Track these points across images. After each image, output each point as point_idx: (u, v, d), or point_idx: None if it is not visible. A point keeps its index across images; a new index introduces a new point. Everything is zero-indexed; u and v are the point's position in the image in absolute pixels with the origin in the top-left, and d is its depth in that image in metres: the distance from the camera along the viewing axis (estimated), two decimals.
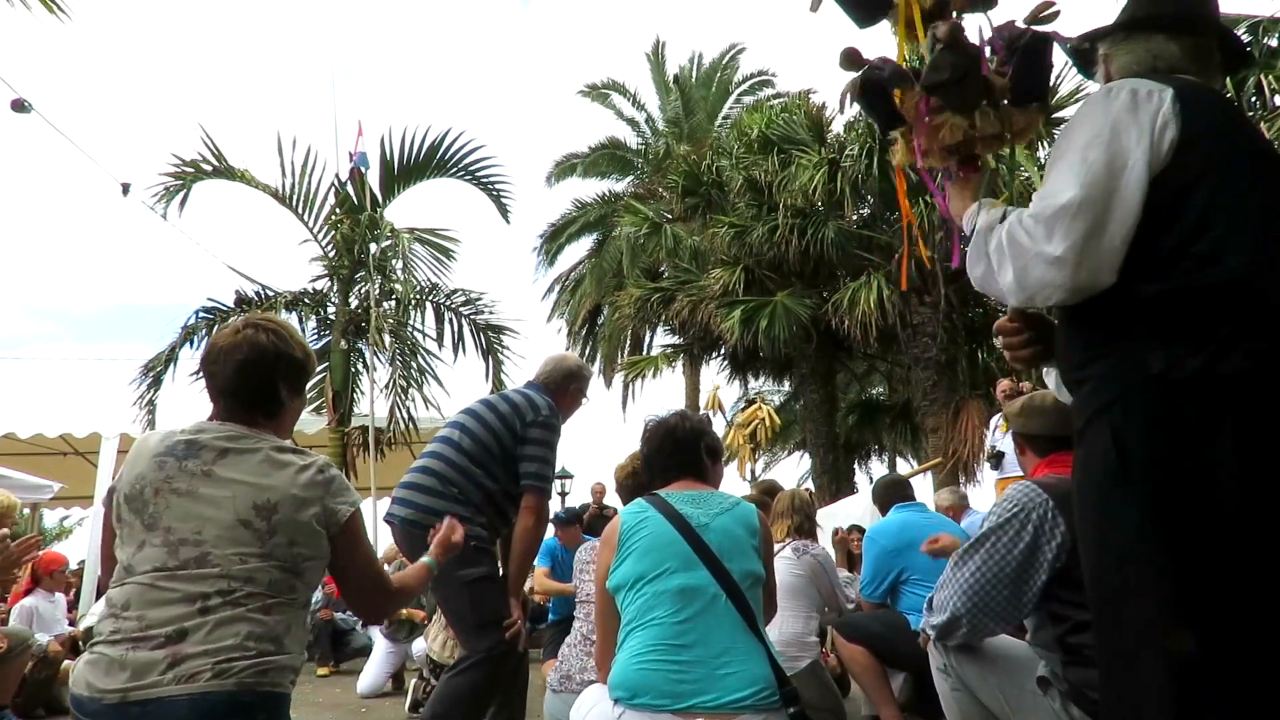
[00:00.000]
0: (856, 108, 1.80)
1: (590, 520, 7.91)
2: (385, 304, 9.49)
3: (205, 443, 1.64)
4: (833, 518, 7.75)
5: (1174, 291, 1.26)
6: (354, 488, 1.76)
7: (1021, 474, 7.62)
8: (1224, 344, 1.22)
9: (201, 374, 1.76)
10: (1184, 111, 1.31)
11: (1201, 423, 1.21)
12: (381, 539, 8.53)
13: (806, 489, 4.17)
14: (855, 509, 8.17)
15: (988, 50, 1.64)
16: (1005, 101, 1.61)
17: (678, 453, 2.24)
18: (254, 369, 1.69)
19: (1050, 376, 1.67)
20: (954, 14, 1.65)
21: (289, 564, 1.59)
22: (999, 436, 7.63)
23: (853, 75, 1.71)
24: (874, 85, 1.68)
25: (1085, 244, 1.28)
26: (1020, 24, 1.63)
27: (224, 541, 1.55)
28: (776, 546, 3.58)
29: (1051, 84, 1.69)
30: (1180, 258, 1.27)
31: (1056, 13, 1.61)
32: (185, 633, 1.48)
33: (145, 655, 1.47)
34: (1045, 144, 7.59)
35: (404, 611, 5.75)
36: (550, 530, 5.63)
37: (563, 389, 3.16)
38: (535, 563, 5.40)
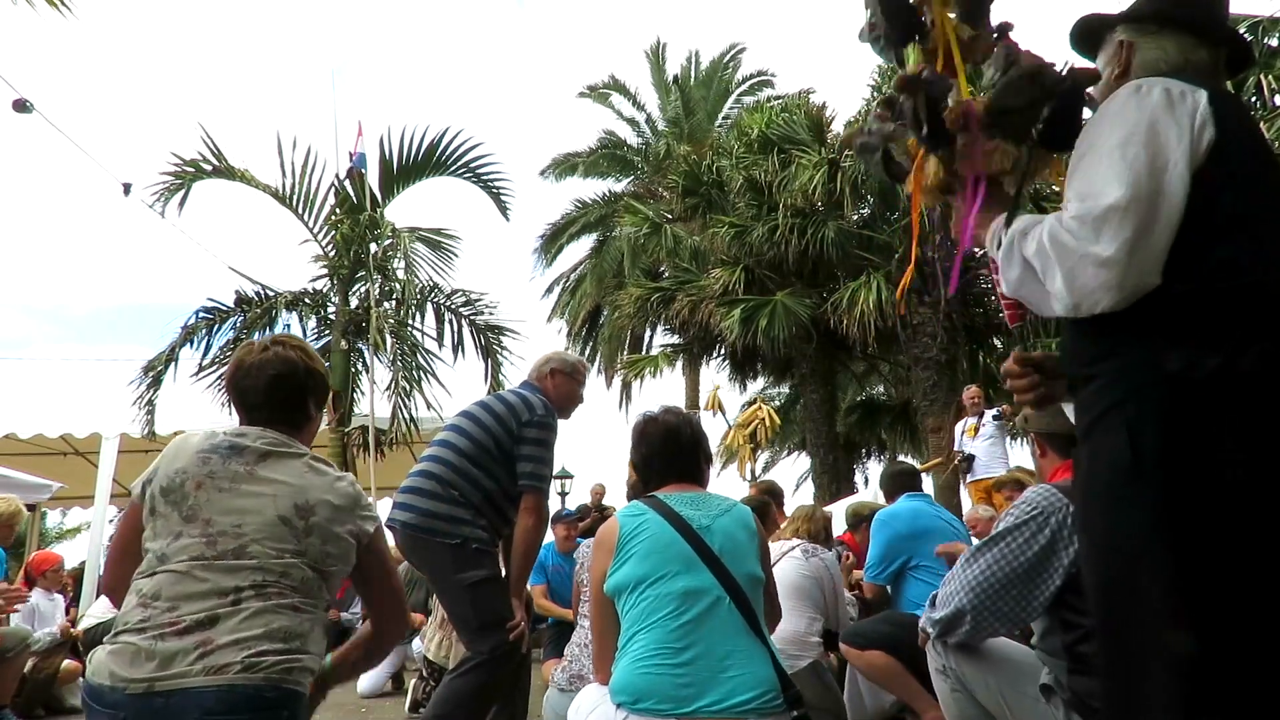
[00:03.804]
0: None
1: (591, 526, 7.90)
2: (385, 304, 9.48)
3: (248, 445, 1.69)
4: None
5: (1194, 293, 1.25)
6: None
7: (990, 477, 7.78)
8: (1238, 346, 1.21)
9: (228, 390, 1.84)
10: (1217, 114, 1.30)
11: (1216, 423, 1.20)
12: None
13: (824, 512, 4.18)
14: None
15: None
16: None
17: (680, 455, 2.22)
18: (286, 382, 1.77)
19: (1070, 409, 1.63)
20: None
21: (319, 564, 1.64)
22: (967, 441, 7.71)
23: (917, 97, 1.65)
24: (921, 86, 1.61)
25: (1135, 244, 1.24)
26: (1061, 70, 1.56)
27: (263, 536, 1.59)
28: (786, 545, 3.59)
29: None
30: (1202, 259, 1.26)
31: (1096, 79, 1.56)
32: (217, 619, 1.50)
33: (175, 644, 1.47)
34: None
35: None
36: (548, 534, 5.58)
37: (542, 374, 3.20)
38: (529, 580, 5.36)
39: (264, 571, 1.56)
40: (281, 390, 1.77)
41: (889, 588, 3.70)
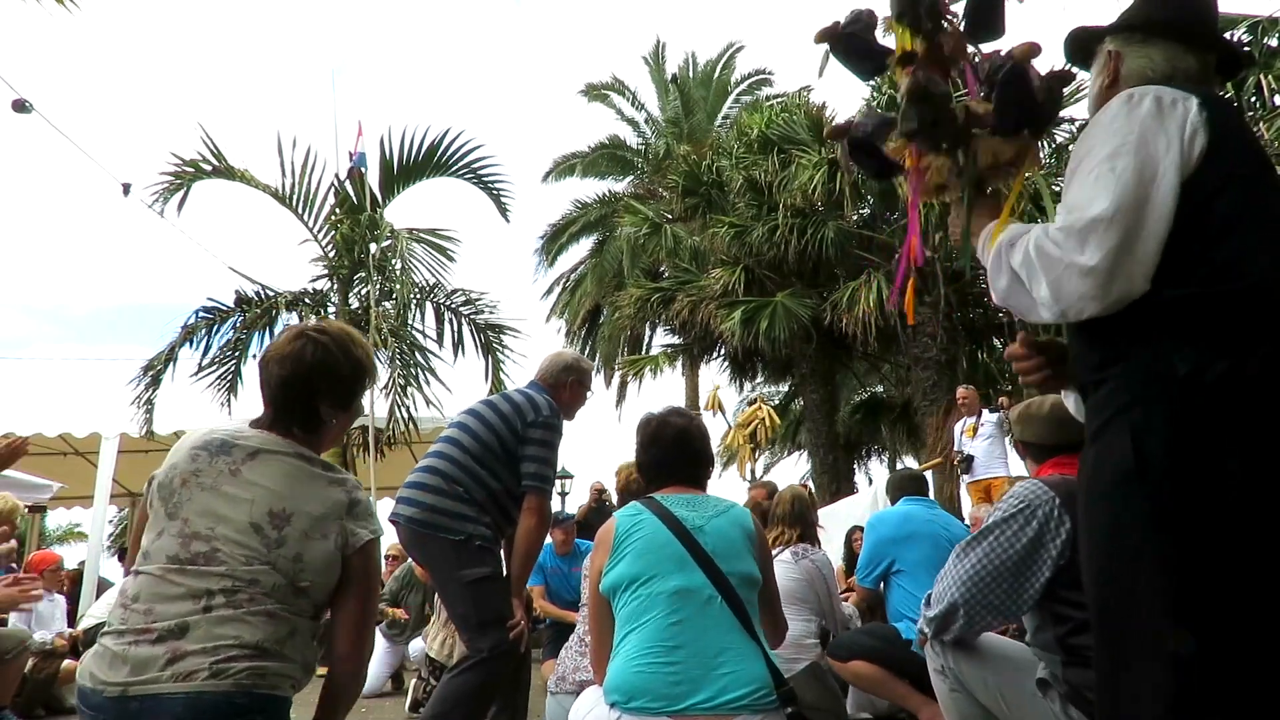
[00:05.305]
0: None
1: (586, 514, 7.88)
2: (385, 304, 9.48)
3: (239, 443, 1.66)
4: (833, 517, 7.74)
5: (1197, 297, 1.26)
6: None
7: (990, 477, 7.96)
8: (1245, 349, 1.22)
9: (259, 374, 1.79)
10: (1210, 119, 1.31)
11: (1221, 428, 1.21)
12: (386, 537, 8.53)
13: (805, 484, 4.18)
14: (855, 509, 8.15)
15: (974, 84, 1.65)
16: (990, 132, 1.58)
17: (688, 459, 2.23)
18: (293, 385, 1.70)
19: (1069, 399, 1.65)
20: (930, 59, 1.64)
21: (290, 576, 1.58)
22: (965, 441, 7.72)
23: (842, 142, 1.78)
24: (861, 144, 1.72)
25: (1119, 254, 1.25)
26: (1002, 55, 1.59)
27: (233, 542, 1.56)
28: (774, 550, 3.59)
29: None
30: (1203, 263, 1.27)
31: (1039, 52, 1.55)
32: (186, 628, 1.49)
33: (146, 651, 1.47)
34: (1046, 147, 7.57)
35: (389, 610, 5.78)
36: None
37: (561, 382, 3.18)
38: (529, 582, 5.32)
39: (233, 578, 1.53)
40: (288, 394, 1.71)
41: (881, 588, 3.73)
